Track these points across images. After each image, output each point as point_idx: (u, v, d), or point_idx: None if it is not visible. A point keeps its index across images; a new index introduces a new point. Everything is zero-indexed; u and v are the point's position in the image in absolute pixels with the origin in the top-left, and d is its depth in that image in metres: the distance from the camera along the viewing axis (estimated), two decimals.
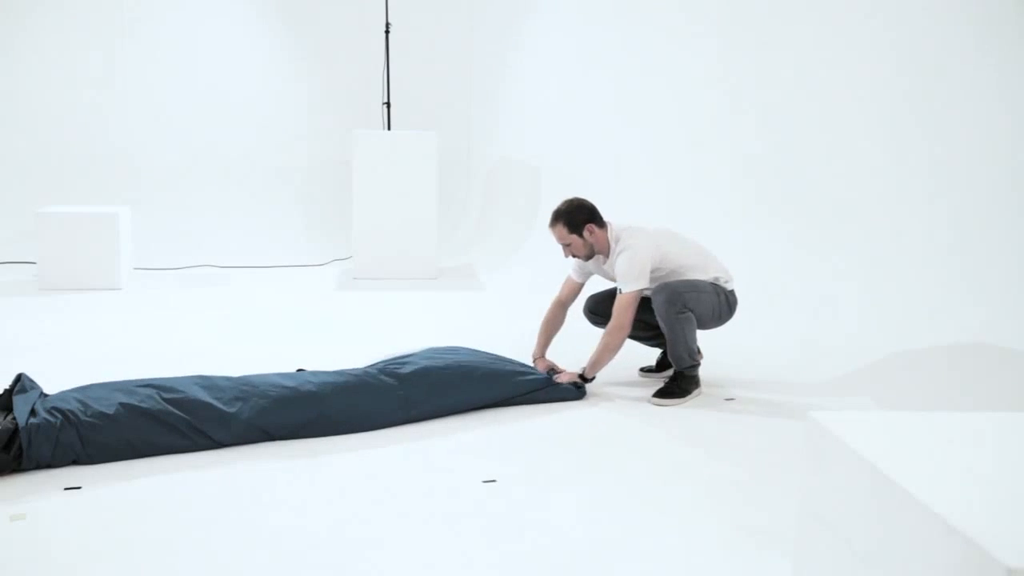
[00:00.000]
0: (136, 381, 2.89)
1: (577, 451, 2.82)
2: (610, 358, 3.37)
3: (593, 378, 3.44)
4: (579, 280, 3.61)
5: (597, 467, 2.67)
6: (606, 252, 3.42)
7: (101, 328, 4.56)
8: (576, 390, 3.38)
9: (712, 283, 3.39)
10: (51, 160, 7.38)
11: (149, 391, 2.77)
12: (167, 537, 2.15)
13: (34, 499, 2.35)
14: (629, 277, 3.29)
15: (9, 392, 2.72)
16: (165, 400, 2.74)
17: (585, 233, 3.37)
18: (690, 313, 3.29)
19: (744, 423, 3.12)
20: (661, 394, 3.35)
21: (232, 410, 2.77)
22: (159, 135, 7.67)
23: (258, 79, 8.00)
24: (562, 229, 3.38)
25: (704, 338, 3.72)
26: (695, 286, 3.33)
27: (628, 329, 3.32)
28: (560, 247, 3.47)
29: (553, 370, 3.50)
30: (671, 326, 3.29)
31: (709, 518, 2.30)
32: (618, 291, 3.36)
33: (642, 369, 3.76)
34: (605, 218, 3.45)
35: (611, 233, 3.41)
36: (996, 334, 3.55)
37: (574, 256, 3.46)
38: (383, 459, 2.71)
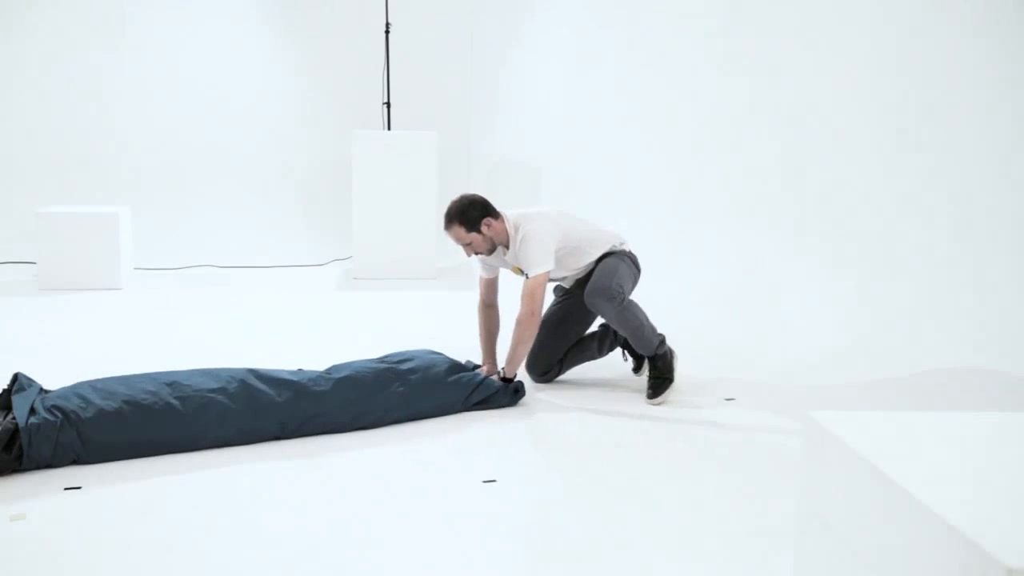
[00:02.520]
0: (140, 375, 2.88)
1: (576, 451, 2.82)
2: (525, 351, 3.29)
3: (515, 377, 3.30)
4: (490, 276, 3.50)
5: (597, 467, 2.67)
6: (506, 243, 3.32)
7: (101, 328, 4.56)
8: (510, 397, 3.23)
9: (612, 253, 3.36)
10: (51, 160, 7.36)
11: (153, 385, 2.77)
12: (167, 537, 2.15)
13: (34, 499, 2.35)
14: (534, 261, 3.22)
15: (8, 392, 2.71)
16: (168, 388, 2.74)
17: (483, 228, 3.27)
18: (629, 299, 3.25)
19: (744, 423, 3.12)
20: (652, 393, 3.33)
21: (236, 406, 2.78)
22: (159, 135, 7.66)
23: (258, 79, 7.99)
24: (459, 230, 3.27)
25: (704, 338, 3.72)
26: (610, 269, 3.29)
27: (539, 315, 3.25)
28: (461, 248, 3.34)
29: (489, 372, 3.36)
30: (623, 320, 3.25)
31: (709, 518, 2.30)
32: (524, 277, 3.27)
33: (635, 368, 3.75)
34: (498, 208, 3.35)
35: (508, 223, 3.32)
36: (997, 336, 3.55)
37: (476, 254, 3.35)
38: (383, 459, 2.71)
